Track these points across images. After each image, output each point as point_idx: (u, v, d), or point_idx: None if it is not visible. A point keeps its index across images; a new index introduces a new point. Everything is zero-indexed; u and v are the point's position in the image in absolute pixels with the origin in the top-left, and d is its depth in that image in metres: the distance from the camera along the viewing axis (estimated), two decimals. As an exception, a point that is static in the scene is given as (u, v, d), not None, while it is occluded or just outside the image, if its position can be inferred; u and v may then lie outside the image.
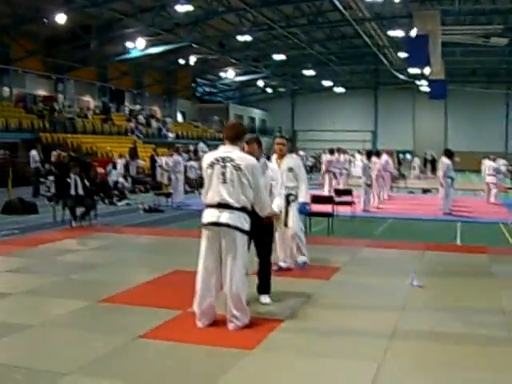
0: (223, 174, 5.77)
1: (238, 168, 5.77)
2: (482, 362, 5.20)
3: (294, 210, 8.56)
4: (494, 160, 22.70)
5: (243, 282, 5.92)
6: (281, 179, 7.86)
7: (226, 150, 5.93)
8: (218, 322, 6.05)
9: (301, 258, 8.74)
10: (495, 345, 5.66)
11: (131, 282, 8.02)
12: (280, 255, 8.69)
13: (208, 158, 6.06)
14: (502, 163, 26.83)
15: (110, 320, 6.37)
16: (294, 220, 8.60)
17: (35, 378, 4.73)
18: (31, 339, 5.74)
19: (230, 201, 5.75)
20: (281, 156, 8.68)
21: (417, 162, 40.15)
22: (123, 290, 7.53)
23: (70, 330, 6.01)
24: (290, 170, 8.54)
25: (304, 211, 8.65)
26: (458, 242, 12.53)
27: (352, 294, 7.57)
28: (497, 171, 22.06)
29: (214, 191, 5.82)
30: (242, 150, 6.18)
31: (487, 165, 22.55)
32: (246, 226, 5.85)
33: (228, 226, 5.74)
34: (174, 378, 4.82)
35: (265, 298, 6.91)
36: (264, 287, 6.99)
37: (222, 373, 4.85)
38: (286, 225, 8.52)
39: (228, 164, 5.78)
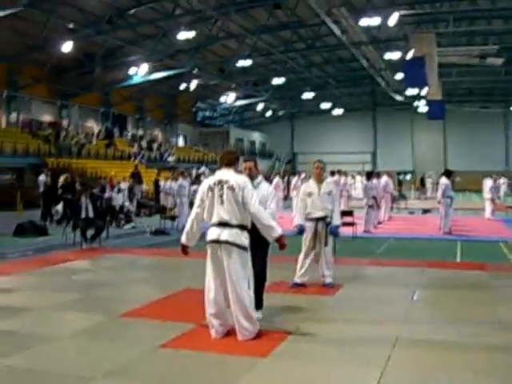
0: (221, 195, 6.33)
1: (232, 188, 6.31)
2: (479, 368, 5.59)
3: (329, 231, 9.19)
4: (494, 180, 23.59)
5: (248, 294, 6.33)
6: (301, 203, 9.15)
7: (222, 174, 6.51)
8: (231, 333, 6.49)
9: (329, 279, 9.26)
10: (491, 352, 6.06)
11: (146, 298, 8.46)
12: (322, 272, 9.25)
13: (207, 182, 6.62)
14: (502, 181, 27.47)
15: (130, 332, 6.84)
16: (329, 241, 9.25)
17: (66, 381, 5.19)
18: (59, 349, 6.20)
19: (228, 219, 6.28)
20: (320, 180, 9.29)
21: (429, 181, 40.99)
22: (140, 306, 7.98)
23: (94, 341, 6.47)
24: (329, 193, 9.20)
25: (336, 233, 9.27)
26: (458, 259, 12.94)
27: (356, 308, 8.04)
28: (494, 189, 22.89)
29: (215, 212, 6.36)
30: (236, 172, 6.68)
31: (486, 183, 23.41)
32: (246, 242, 6.32)
33: (227, 242, 6.26)
34: (194, 383, 5.25)
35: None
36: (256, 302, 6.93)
37: (237, 378, 5.29)
38: (326, 244, 9.16)
39: (224, 186, 6.34)
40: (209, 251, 6.44)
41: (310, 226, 9.08)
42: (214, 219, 6.37)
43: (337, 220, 9.19)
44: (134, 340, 6.50)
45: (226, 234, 6.26)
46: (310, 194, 9.18)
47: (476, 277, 10.39)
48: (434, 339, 6.48)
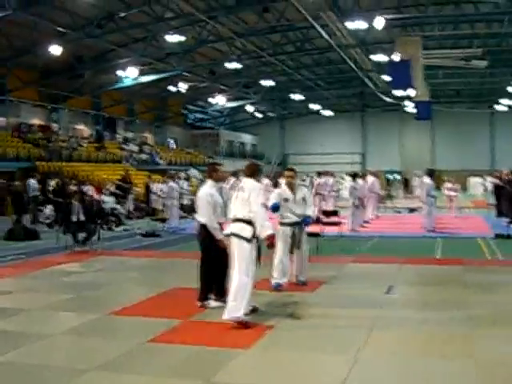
0: (236, 197, 7.47)
1: (243, 189, 7.42)
2: (445, 352, 6.15)
3: (305, 233, 9.82)
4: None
5: (240, 280, 7.08)
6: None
7: (244, 181, 7.64)
8: (222, 327, 6.99)
9: (303, 277, 9.78)
10: (456, 339, 6.60)
11: (135, 297, 8.86)
12: (297, 271, 9.75)
13: (235, 188, 7.90)
14: (489, 180, 28.10)
15: (120, 328, 7.28)
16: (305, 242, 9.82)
17: (64, 374, 5.58)
18: (53, 345, 6.62)
19: (237, 215, 7.34)
20: (292, 188, 9.68)
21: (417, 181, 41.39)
22: (130, 305, 8.38)
23: (86, 337, 6.89)
24: (304, 199, 9.67)
25: (306, 222, 9.66)
26: (438, 256, 13.42)
27: (335, 302, 8.52)
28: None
29: (232, 210, 7.48)
30: (257, 181, 7.66)
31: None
32: (248, 235, 7.18)
33: (233, 234, 7.30)
34: (178, 374, 5.64)
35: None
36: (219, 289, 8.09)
37: (219, 368, 5.69)
38: (299, 247, 9.64)
39: (241, 190, 7.47)
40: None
41: (287, 230, 9.46)
42: (230, 216, 7.52)
43: (310, 212, 9.69)
44: (124, 336, 6.93)
45: (234, 227, 7.31)
46: (285, 200, 9.55)
47: (452, 271, 10.97)
48: (405, 328, 7.08)
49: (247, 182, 7.52)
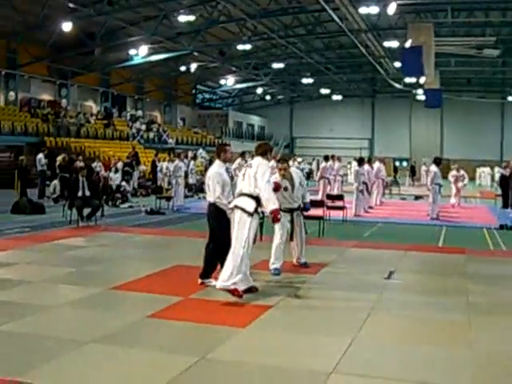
0: (244, 174, 7.76)
1: (251, 166, 7.72)
2: (441, 338, 6.19)
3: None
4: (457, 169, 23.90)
5: (236, 250, 7.28)
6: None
7: (254, 160, 7.94)
8: (222, 305, 7.07)
9: (304, 259, 9.88)
10: (454, 327, 6.62)
11: (137, 273, 8.90)
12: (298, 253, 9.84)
13: (244, 166, 8.24)
14: (496, 170, 27.91)
15: (121, 303, 7.34)
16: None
17: (63, 345, 5.64)
18: (53, 317, 6.68)
19: (243, 190, 7.60)
20: (289, 177, 9.66)
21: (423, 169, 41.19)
22: (131, 280, 8.43)
23: (87, 310, 6.97)
24: (301, 184, 9.77)
25: (307, 208, 9.94)
26: (441, 244, 13.41)
27: (336, 285, 8.59)
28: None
29: (238, 186, 7.75)
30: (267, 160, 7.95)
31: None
32: (250, 209, 7.42)
33: (236, 206, 7.52)
34: (174, 350, 5.67)
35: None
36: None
37: (216, 345, 5.73)
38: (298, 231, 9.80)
39: (249, 167, 7.77)
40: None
41: (286, 216, 9.36)
42: (237, 191, 7.78)
43: (307, 199, 9.97)
44: (124, 310, 6.99)
45: (238, 201, 7.55)
46: (285, 189, 9.51)
47: (454, 260, 10.97)
48: (404, 314, 7.11)
49: (256, 160, 7.77)
